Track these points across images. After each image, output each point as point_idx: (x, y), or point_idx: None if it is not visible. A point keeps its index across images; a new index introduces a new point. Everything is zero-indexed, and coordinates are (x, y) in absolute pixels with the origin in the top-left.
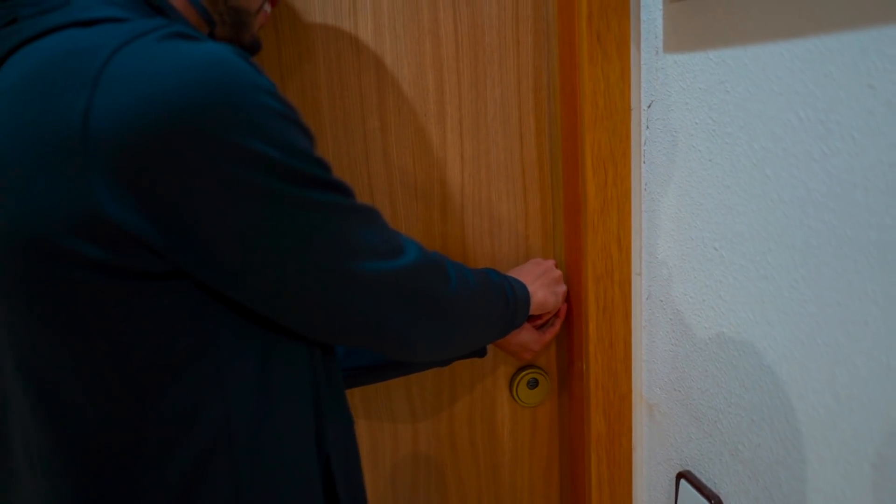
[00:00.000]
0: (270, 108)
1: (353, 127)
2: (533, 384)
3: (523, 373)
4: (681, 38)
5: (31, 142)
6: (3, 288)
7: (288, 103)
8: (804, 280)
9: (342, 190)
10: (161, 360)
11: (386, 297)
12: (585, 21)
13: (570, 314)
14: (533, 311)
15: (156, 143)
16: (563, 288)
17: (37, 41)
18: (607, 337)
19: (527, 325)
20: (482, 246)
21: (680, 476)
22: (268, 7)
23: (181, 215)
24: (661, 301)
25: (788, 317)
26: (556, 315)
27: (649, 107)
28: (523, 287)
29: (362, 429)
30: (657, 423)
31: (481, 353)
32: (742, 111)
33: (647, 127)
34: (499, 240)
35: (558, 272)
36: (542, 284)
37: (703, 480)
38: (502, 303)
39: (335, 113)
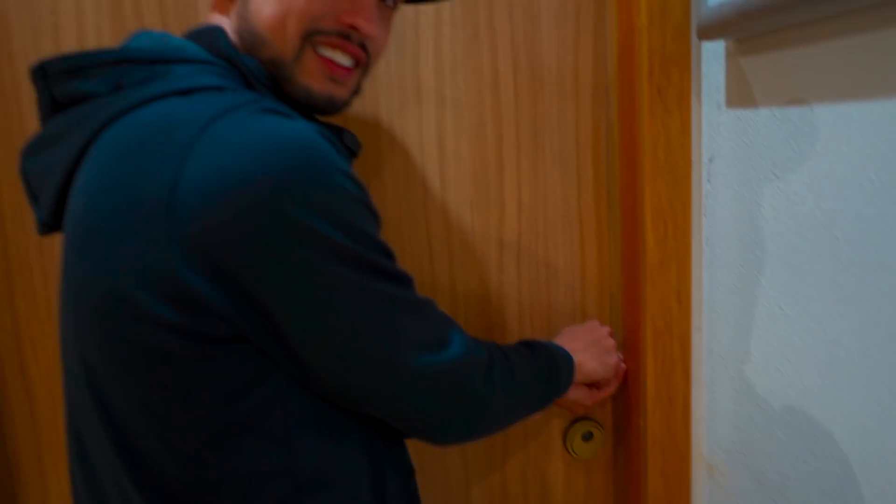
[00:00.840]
0: (343, 190)
1: (413, 176)
2: (588, 437)
3: (578, 425)
4: (743, 93)
5: (124, 206)
6: (88, 341)
7: (360, 185)
8: (877, 347)
9: (402, 280)
10: (229, 418)
11: (426, 390)
12: (646, 75)
13: (629, 368)
14: (579, 380)
15: (230, 217)
16: (614, 359)
17: (138, 110)
18: (666, 392)
19: (577, 384)
20: (538, 295)
21: None
22: (329, 52)
23: (247, 287)
24: (723, 358)
25: (861, 384)
26: (615, 374)
27: (711, 160)
28: (569, 359)
29: None
30: (718, 484)
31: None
32: (809, 170)
33: (709, 180)
34: (555, 289)
35: (611, 342)
36: (592, 355)
37: None
38: (543, 383)
39: (395, 161)
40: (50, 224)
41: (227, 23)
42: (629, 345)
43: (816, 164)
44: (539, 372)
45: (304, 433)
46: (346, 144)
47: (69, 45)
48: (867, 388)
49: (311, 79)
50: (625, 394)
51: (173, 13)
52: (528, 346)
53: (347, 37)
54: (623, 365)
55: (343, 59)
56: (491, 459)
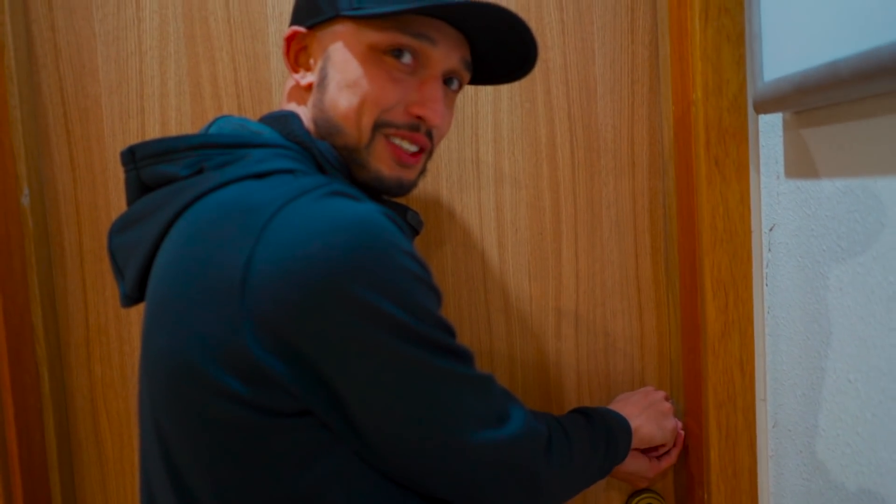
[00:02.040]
0: (406, 269)
1: (472, 244)
2: None
3: (639, 497)
4: (803, 164)
5: (200, 282)
6: (161, 408)
7: (422, 263)
8: None
9: (463, 357)
10: (292, 490)
11: (483, 467)
12: (703, 146)
13: (691, 440)
14: (637, 446)
15: (298, 297)
16: (671, 423)
17: (216, 191)
18: (731, 465)
19: (638, 454)
20: (596, 364)
21: None
22: (399, 141)
23: (312, 363)
24: (790, 430)
25: None
26: (674, 444)
27: (771, 230)
28: (625, 425)
29: None
30: None
31: None
32: (875, 242)
33: (770, 250)
34: (613, 358)
35: (667, 405)
36: (648, 418)
37: None
38: (601, 452)
39: (455, 230)
40: (133, 297)
41: (301, 110)
42: (691, 415)
43: (882, 237)
44: (597, 440)
45: None
46: (410, 223)
47: (152, 125)
48: None
49: (382, 164)
50: (687, 466)
51: (248, 95)
52: (585, 413)
53: (416, 128)
54: (681, 431)
55: (410, 147)
56: None
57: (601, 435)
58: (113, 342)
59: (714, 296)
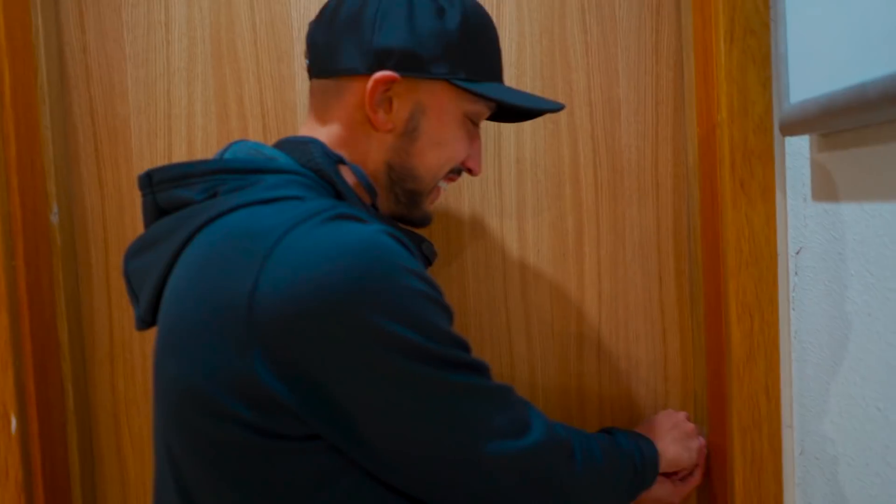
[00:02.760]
0: (413, 289)
1: (494, 265)
2: None
3: None
4: (830, 187)
5: (207, 309)
6: (172, 433)
7: (430, 280)
8: None
9: (478, 369)
10: None
11: (508, 479)
12: (728, 168)
13: (715, 466)
14: (664, 469)
15: (304, 321)
16: (696, 443)
17: (225, 217)
18: (756, 493)
19: (661, 479)
20: (618, 387)
21: None
22: (444, 185)
23: (322, 387)
24: (817, 458)
25: None
26: (696, 464)
27: (798, 253)
28: (652, 448)
29: None
30: None
31: None
32: None
33: (797, 274)
34: (636, 381)
35: (691, 426)
36: (673, 439)
37: None
38: (630, 471)
39: (477, 252)
40: (147, 321)
41: (357, 144)
42: (715, 441)
43: None
44: (625, 457)
45: None
46: (424, 252)
47: (179, 145)
48: None
49: (430, 206)
50: (711, 492)
51: (273, 116)
52: (612, 431)
53: (459, 173)
54: (704, 449)
55: (446, 187)
56: None
57: (629, 452)
58: (137, 359)
59: (739, 319)
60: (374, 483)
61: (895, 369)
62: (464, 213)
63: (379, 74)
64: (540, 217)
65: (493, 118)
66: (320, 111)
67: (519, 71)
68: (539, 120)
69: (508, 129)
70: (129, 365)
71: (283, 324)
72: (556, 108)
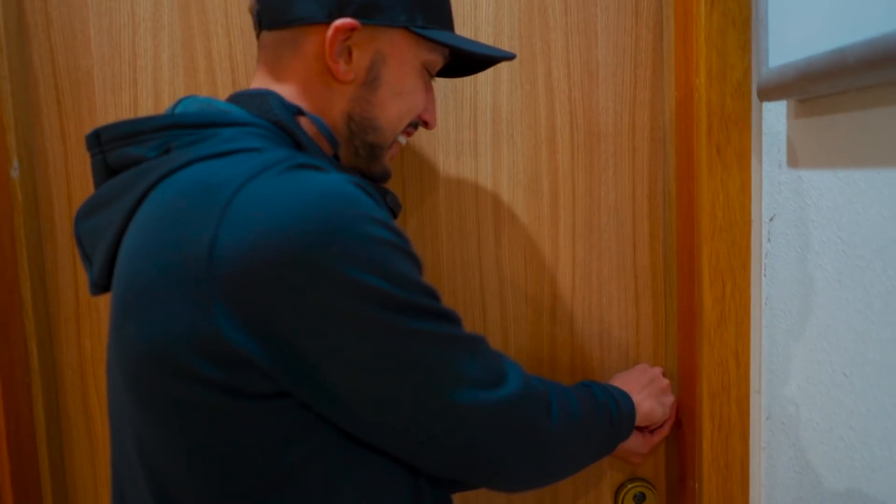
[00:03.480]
0: (380, 238)
1: (468, 229)
2: (640, 499)
3: (630, 486)
4: (805, 154)
5: (165, 267)
6: (131, 391)
7: (396, 230)
8: None
9: (448, 318)
10: (269, 473)
11: (483, 429)
12: (705, 133)
13: (683, 430)
14: (639, 423)
15: (269, 273)
16: (670, 398)
17: (181, 171)
18: (723, 456)
19: (634, 431)
20: (591, 351)
21: None
22: (402, 139)
23: (289, 341)
24: (783, 423)
25: None
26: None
27: (771, 220)
28: (628, 400)
29: None
30: None
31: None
32: (875, 234)
33: (769, 240)
34: (608, 345)
35: (666, 381)
36: (648, 394)
37: None
38: (606, 424)
39: (451, 214)
40: (101, 285)
41: (316, 94)
42: (685, 405)
43: (884, 230)
44: (602, 409)
45: (348, 488)
46: (389, 205)
47: (145, 98)
48: None
49: (389, 161)
50: (679, 455)
51: (243, 70)
52: (589, 385)
53: (416, 126)
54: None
55: (404, 141)
56: None
57: (605, 405)
58: (103, 317)
59: (711, 285)
60: (344, 441)
61: (862, 336)
62: (438, 175)
63: (340, 22)
64: (515, 180)
65: (442, 73)
66: (273, 64)
67: (496, 30)
68: (516, 81)
69: (485, 89)
70: (95, 324)
71: (245, 276)
72: (508, 56)
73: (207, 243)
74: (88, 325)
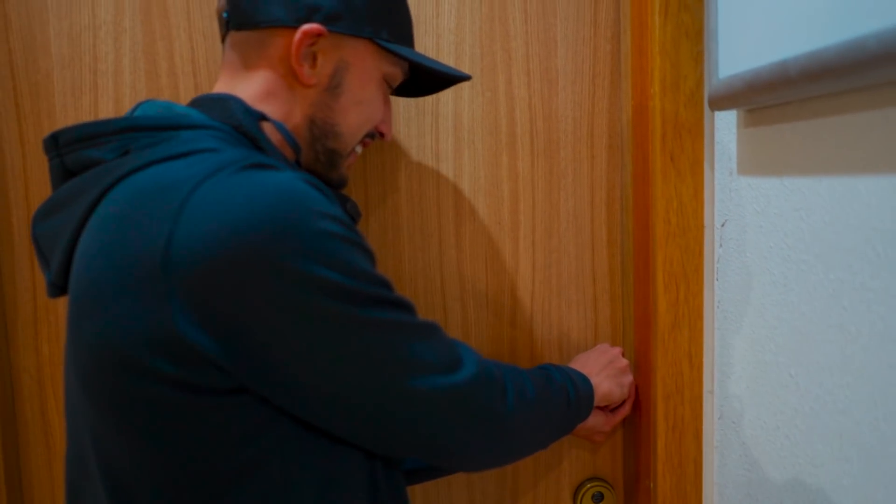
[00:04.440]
0: (331, 232)
1: (430, 232)
2: (598, 498)
3: (589, 485)
4: (755, 162)
5: (122, 266)
6: (89, 392)
7: (350, 225)
8: (885, 420)
9: (402, 306)
10: (228, 468)
11: (441, 414)
12: (659, 141)
13: (640, 430)
14: (597, 403)
15: (223, 269)
16: (629, 378)
17: (138, 173)
18: (677, 455)
19: (595, 410)
20: (550, 354)
21: None
22: (359, 149)
23: (244, 336)
24: (734, 423)
25: (870, 456)
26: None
27: (723, 226)
28: (586, 382)
29: None
30: None
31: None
32: (818, 240)
33: (721, 245)
34: (567, 348)
35: (625, 361)
36: (607, 375)
37: None
38: (563, 405)
39: (413, 218)
40: (59, 286)
41: (280, 99)
42: (640, 406)
43: (825, 235)
44: (559, 391)
45: (306, 479)
46: (348, 212)
47: (106, 102)
48: (876, 461)
49: (346, 169)
50: (636, 455)
51: (205, 75)
52: (546, 367)
53: (373, 137)
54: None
55: (359, 151)
56: None
57: (562, 387)
58: (62, 321)
59: (666, 289)
60: (301, 433)
61: (806, 337)
62: (400, 179)
63: (307, 27)
64: (476, 185)
65: (400, 91)
66: (238, 65)
67: (458, 38)
68: (477, 88)
69: (446, 95)
70: (53, 328)
71: (200, 273)
72: (465, 77)
73: (163, 242)
74: (46, 329)
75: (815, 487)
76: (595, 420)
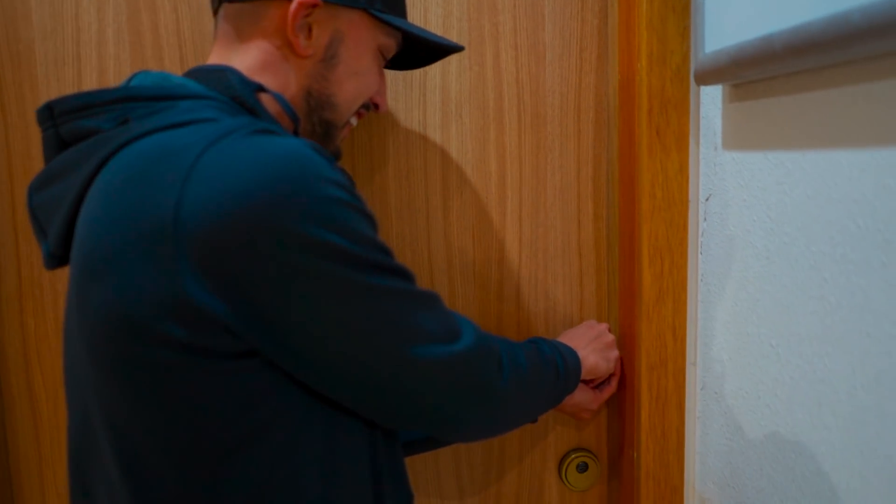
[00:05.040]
0: (337, 198)
1: (417, 207)
2: (582, 468)
3: (573, 455)
4: (739, 137)
5: (129, 231)
6: (96, 359)
7: (354, 192)
8: (863, 388)
9: (404, 275)
10: (235, 433)
11: (439, 382)
12: (646, 116)
13: (623, 401)
14: (584, 376)
15: (232, 233)
16: (615, 353)
17: (140, 140)
18: (660, 426)
19: (581, 386)
20: (536, 327)
21: None
22: (353, 120)
23: (253, 299)
24: (716, 393)
25: (847, 423)
26: (613, 373)
27: (707, 200)
28: (574, 355)
29: None
30: None
31: (532, 420)
32: (800, 213)
33: (705, 219)
34: (553, 322)
35: (611, 337)
36: (593, 349)
37: None
38: (552, 376)
39: (401, 192)
40: (58, 256)
41: (276, 70)
42: (625, 378)
43: (807, 208)
44: (548, 363)
45: (311, 446)
46: None
47: (90, 73)
48: (853, 428)
49: (341, 141)
50: (620, 426)
51: (191, 47)
52: (535, 341)
53: (368, 108)
54: (621, 360)
55: (354, 123)
56: (486, 487)
57: (552, 360)
58: (47, 295)
59: (651, 262)
60: (308, 400)
61: (788, 309)
62: (388, 154)
63: None
64: (463, 159)
65: (392, 65)
66: (232, 38)
67: (445, 11)
68: (465, 63)
69: (434, 69)
70: (39, 302)
71: (210, 237)
72: (458, 48)
73: (173, 206)
74: (32, 304)
75: (794, 455)
76: (582, 396)
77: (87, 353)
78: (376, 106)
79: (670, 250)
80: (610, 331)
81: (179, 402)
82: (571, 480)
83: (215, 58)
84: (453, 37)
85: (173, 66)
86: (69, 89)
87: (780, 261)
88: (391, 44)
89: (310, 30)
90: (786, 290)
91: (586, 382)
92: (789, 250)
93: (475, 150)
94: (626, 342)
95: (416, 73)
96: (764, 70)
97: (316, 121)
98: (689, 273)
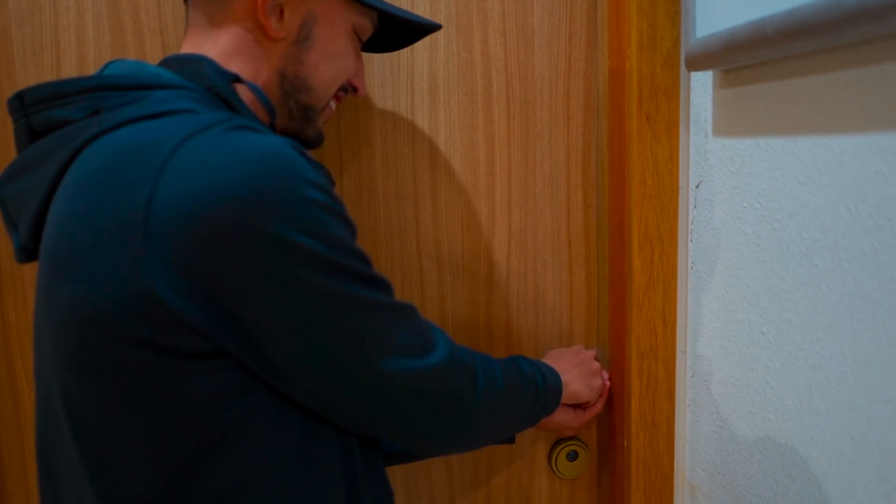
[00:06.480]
0: (315, 201)
1: (405, 195)
2: (572, 456)
3: (563, 444)
4: (730, 123)
5: (100, 226)
6: (63, 358)
7: (333, 195)
8: (854, 373)
9: (380, 285)
10: (205, 434)
11: (409, 396)
12: (636, 102)
13: (613, 389)
14: (565, 401)
15: (205, 233)
16: (599, 381)
17: (113, 132)
18: (650, 414)
19: (565, 406)
20: (525, 316)
21: None
22: (333, 104)
23: (224, 300)
24: (706, 381)
25: (837, 409)
26: (599, 396)
27: (697, 187)
28: (556, 377)
29: (400, 498)
30: None
31: (510, 440)
32: (791, 199)
33: (695, 206)
34: (542, 311)
35: (596, 365)
36: (577, 375)
37: None
38: (531, 397)
39: (388, 181)
40: (29, 250)
41: (248, 54)
42: (615, 366)
43: (798, 194)
44: (527, 383)
45: (282, 449)
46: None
47: (69, 60)
48: (844, 413)
49: (322, 125)
50: (610, 414)
51: (172, 33)
52: (516, 359)
53: (347, 91)
54: (608, 384)
55: (333, 106)
56: (476, 477)
57: (532, 379)
58: (28, 287)
59: (641, 250)
60: (279, 402)
61: (778, 296)
62: (375, 141)
63: None
64: (452, 147)
65: (371, 47)
66: (203, 23)
67: None
68: (452, 48)
69: (422, 55)
70: (20, 293)
71: (181, 236)
72: (435, 26)
73: (144, 202)
74: (12, 296)
75: (784, 441)
76: (565, 416)
77: (55, 349)
78: (355, 89)
79: (660, 238)
80: (597, 358)
81: (148, 400)
82: (561, 469)
83: (188, 45)
84: (441, 22)
85: (154, 52)
86: (48, 76)
87: (770, 247)
88: (366, 23)
89: (281, 12)
90: (776, 276)
91: (569, 405)
92: (780, 237)
93: (463, 137)
94: (617, 330)
95: (403, 59)
96: (756, 55)
97: (293, 105)
98: (679, 260)
